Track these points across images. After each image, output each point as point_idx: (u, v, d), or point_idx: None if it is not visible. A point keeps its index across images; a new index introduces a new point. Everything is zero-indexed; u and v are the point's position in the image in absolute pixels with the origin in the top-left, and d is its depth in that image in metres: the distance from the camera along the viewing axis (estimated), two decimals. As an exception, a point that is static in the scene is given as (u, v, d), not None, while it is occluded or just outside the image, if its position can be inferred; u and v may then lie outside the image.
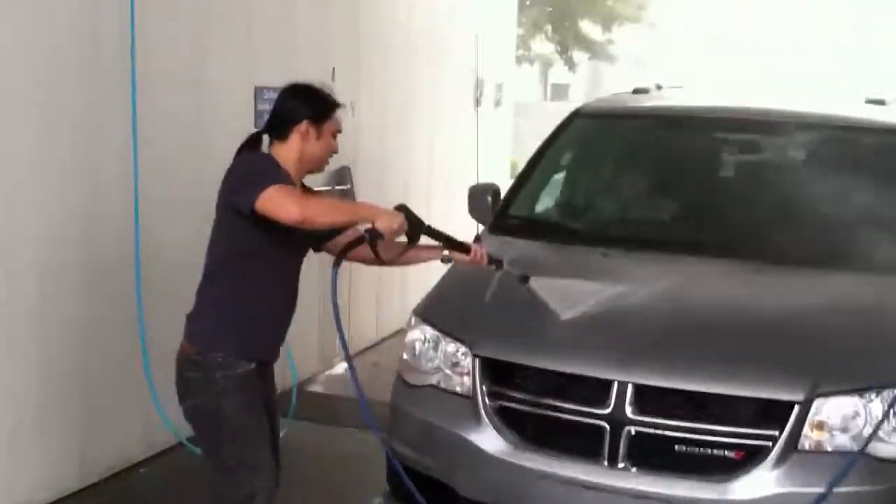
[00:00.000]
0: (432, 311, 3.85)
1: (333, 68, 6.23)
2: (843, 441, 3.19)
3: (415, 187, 7.62)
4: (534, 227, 4.48)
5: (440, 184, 8.13)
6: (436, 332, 3.73)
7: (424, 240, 3.15)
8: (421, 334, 3.79)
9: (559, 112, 5.65)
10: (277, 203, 2.83)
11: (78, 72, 4.25)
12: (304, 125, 3.08)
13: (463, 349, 3.61)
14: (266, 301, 3.15)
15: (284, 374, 5.73)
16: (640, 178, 4.64)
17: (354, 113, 6.49)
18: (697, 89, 5.80)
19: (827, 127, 4.62)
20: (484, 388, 3.50)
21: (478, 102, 8.97)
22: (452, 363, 3.66)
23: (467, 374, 3.58)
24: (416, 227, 3.04)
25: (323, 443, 5.17)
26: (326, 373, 6.42)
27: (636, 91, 5.20)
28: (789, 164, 4.67)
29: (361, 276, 6.83)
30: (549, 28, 18.00)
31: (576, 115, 4.97)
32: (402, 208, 3.03)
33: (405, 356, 3.82)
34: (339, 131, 3.22)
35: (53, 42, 4.11)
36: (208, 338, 3.11)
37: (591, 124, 5.00)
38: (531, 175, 4.76)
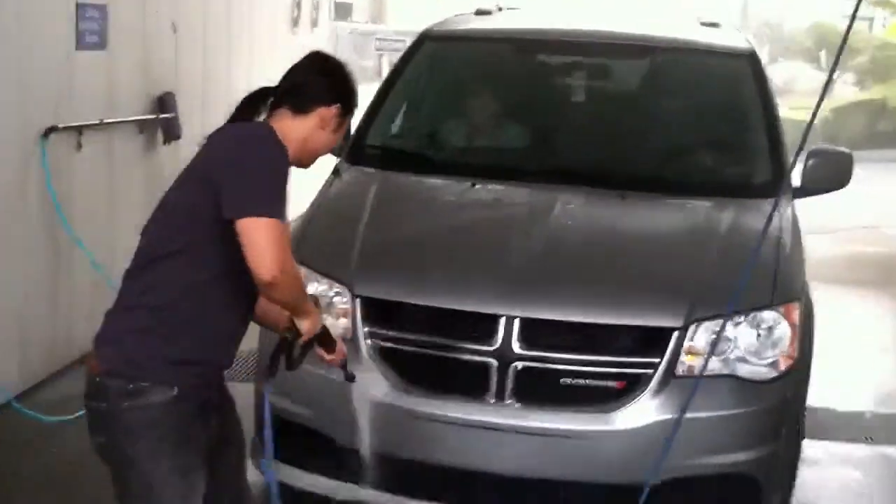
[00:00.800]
0: (302, 249, 3.64)
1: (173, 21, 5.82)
2: (713, 365, 3.31)
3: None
4: (395, 158, 4.36)
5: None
6: (307, 271, 3.56)
7: None
8: (291, 274, 3.62)
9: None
10: (262, 245, 2.27)
11: None
12: (333, 110, 2.56)
13: (339, 289, 3.48)
14: (220, 307, 2.45)
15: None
16: (496, 104, 4.57)
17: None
18: (534, 11, 5.77)
19: (673, 49, 4.73)
20: (365, 329, 3.39)
21: (295, 23, 8.63)
22: (327, 304, 3.51)
23: (345, 315, 3.45)
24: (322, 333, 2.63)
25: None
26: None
27: (479, 12, 5.12)
28: (641, 89, 4.74)
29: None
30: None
31: (425, 37, 4.83)
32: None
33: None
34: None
35: None
36: (123, 349, 2.38)
37: (442, 48, 4.90)
38: (384, 101, 4.61)
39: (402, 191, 4.04)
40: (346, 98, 2.61)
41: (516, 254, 3.50)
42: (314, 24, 9.24)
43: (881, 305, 7.66)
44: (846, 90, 28.46)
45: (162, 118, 5.88)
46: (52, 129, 4.77)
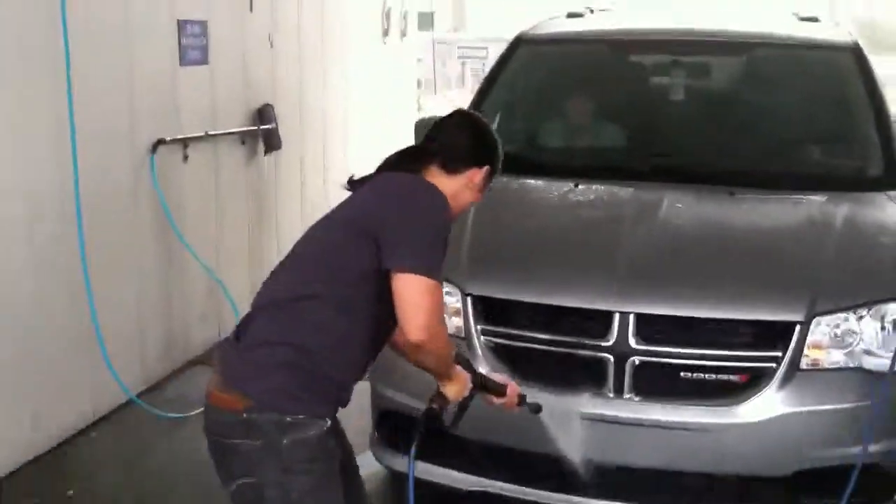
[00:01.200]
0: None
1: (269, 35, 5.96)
2: (838, 358, 3.25)
3: (332, 123, 7.39)
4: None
5: (357, 118, 7.92)
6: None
7: None
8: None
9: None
10: (414, 305, 2.24)
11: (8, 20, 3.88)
12: (483, 172, 2.56)
13: (450, 289, 3.50)
14: (365, 350, 2.41)
15: (221, 324, 5.53)
16: (596, 105, 4.58)
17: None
18: (624, 12, 5.75)
19: (775, 45, 4.66)
20: (478, 327, 3.40)
21: (385, 34, 8.73)
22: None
23: (458, 314, 3.47)
24: (476, 384, 2.63)
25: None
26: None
27: (571, 15, 5.13)
28: (742, 85, 4.68)
29: (285, 219, 6.63)
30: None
31: (519, 41, 4.85)
32: (475, 378, 2.62)
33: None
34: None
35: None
36: (275, 387, 2.26)
37: (537, 51, 4.89)
38: (481, 105, 4.63)
39: (506, 192, 4.03)
40: (495, 160, 2.61)
41: (627, 250, 3.48)
42: (403, 34, 9.33)
43: None
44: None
45: (262, 129, 6.00)
46: (160, 142, 4.91)
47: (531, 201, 3.97)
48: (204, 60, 5.35)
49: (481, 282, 3.46)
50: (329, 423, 2.31)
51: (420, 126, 4.58)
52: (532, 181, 4.14)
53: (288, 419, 2.25)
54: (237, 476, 2.30)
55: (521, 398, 2.81)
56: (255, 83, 6.03)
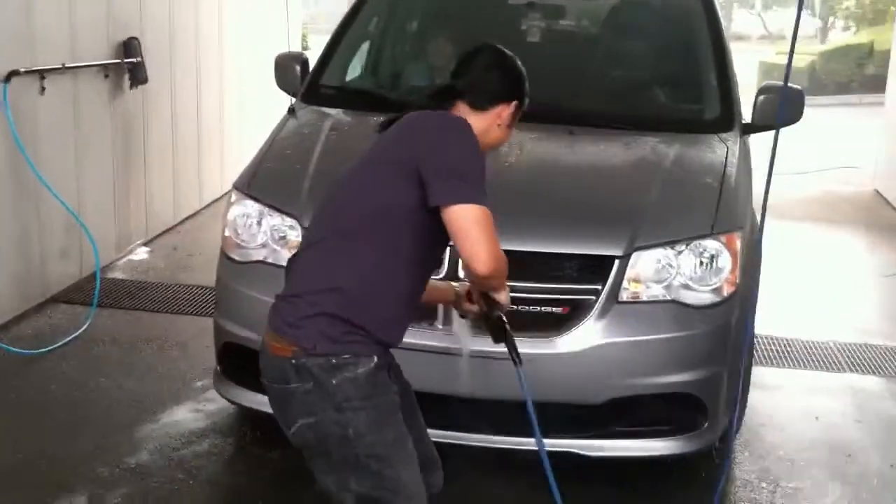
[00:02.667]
0: (255, 184, 3.74)
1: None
2: (657, 291, 3.41)
3: (206, 59, 7.28)
4: (347, 97, 4.40)
5: (232, 54, 7.81)
6: (260, 206, 3.64)
7: None
8: (243, 209, 3.69)
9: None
10: (475, 236, 2.26)
11: None
12: (511, 107, 2.58)
13: (290, 222, 3.55)
14: (408, 289, 2.44)
15: (83, 261, 5.49)
16: (450, 42, 4.62)
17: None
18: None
19: None
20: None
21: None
22: (279, 237, 3.59)
23: (296, 247, 3.52)
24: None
25: (135, 329, 5.01)
26: (125, 258, 6.16)
27: None
28: (593, 28, 4.80)
29: (155, 157, 6.54)
30: None
31: None
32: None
33: (227, 233, 3.71)
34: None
35: None
36: (325, 330, 2.32)
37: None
38: (340, 41, 4.65)
39: (354, 127, 4.09)
40: (523, 94, 2.61)
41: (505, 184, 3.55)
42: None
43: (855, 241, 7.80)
44: (836, 36, 28.24)
45: (126, 62, 5.90)
46: (13, 73, 4.79)
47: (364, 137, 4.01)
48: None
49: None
50: (376, 360, 2.35)
51: (280, 61, 4.58)
52: (380, 117, 4.16)
53: (333, 360, 2.31)
54: (296, 418, 2.37)
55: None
56: (120, 14, 5.90)
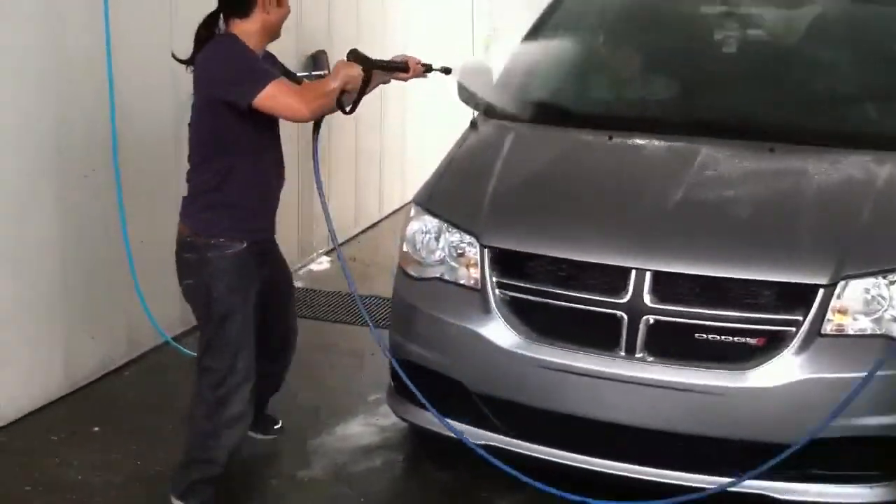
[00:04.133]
0: (435, 200, 3.66)
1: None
2: (865, 324, 3.10)
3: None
4: (532, 110, 4.26)
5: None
6: (439, 222, 3.56)
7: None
8: (422, 225, 3.61)
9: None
10: (283, 102, 3.03)
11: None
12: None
13: (469, 239, 3.45)
14: (253, 183, 3.24)
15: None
16: (640, 54, 4.43)
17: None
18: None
19: None
20: (493, 279, 3.35)
21: (449, -17, 8.56)
22: (458, 254, 3.50)
23: (474, 265, 3.42)
24: (368, 65, 3.25)
25: (313, 339, 5.04)
26: (306, 268, 6.25)
27: None
28: (795, 39, 4.46)
29: (338, 166, 6.62)
30: None
31: None
32: (352, 54, 3.27)
33: (406, 248, 3.65)
34: None
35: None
36: (200, 220, 3.21)
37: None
38: (523, 55, 4.53)
39: (537, 143, 3.95)
40: None
41: (650, 205, 3.37)
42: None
43: None
44: None
45: (315, 74, 5.98)
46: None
47: (559, 152, 3.86)
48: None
49: (499, 234, 3.40)
50: (245, 244, 3.20)
51: (462, 74, 4.50)
52: (565, 132, 4.02)
53: (212, 241, 3.18)
54: (184, 278, 3.27)
55: (427, 67, 3.48)
56: (308, 27, 5.99)
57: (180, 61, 3.24)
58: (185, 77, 3.19)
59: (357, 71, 3.18)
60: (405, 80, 3.46)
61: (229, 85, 3.04)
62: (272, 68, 3.21)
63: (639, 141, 3.87)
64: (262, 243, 3.33)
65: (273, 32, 3.23)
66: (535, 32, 4.59)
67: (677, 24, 4.57)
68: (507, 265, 3.36)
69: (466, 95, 4.44)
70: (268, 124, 3.20)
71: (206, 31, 3.17)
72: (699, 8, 4.64)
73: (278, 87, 3.02)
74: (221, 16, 3.18)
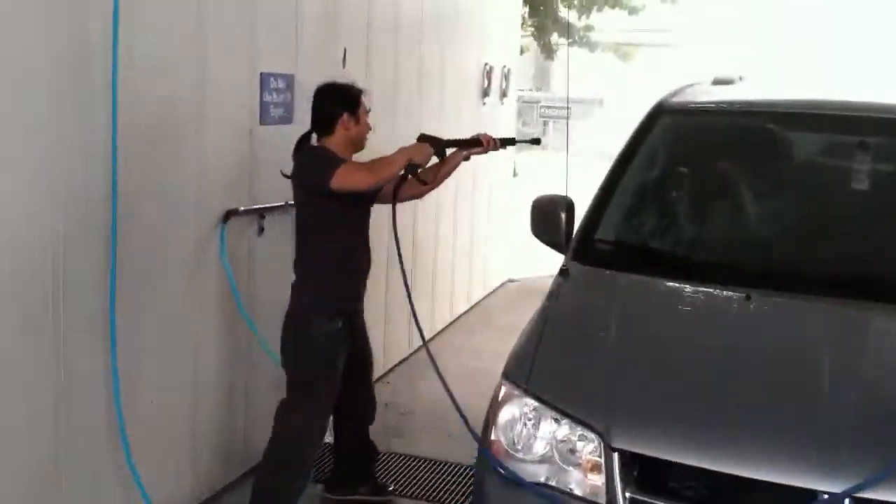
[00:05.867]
0: (537, 378, 2.86)
1: (345, 49, 5.23)
2: None
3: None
4: (636, 257, 3.53)
5: (454, 184, 7.15)
6: (543, 408, 2.78)
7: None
8: (520, 410, 2.82)
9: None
10: (351, 178, 3.63)
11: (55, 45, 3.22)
12: (344, 118, 3.85)
13: (589, 436, 2.66)
14: (350, 257, 3.90)
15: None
16: (764, 191, 3.71)
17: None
18: (778, 82, 4.89)
19: None
20: (628, 495, 2.54)
21: (485, 93, 7.98)
22: (569, 451, 2.70)
23: (594, 470, 2.63)
24: (438, 145, 3.84)
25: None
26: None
27: (717, 82, 4.27)
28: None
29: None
30: (524, 10, 16.90)
31: (661, 110, 4.01)
32: (422, 137, 3.86)
33: (499, 437, 2.84)
34: (369, 111, 3.96)
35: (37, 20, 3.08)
36: (308, 303, 3.86)
37: (683, 123, 4.04)
38: (616, 186, 3.80)
39: (657, 304, 3.20)
40: (345, 103, 3.88)
41: (833, 402, 2.59)
42: (504, 94, 8.57)
43: None
44: None
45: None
46: (231, 213, 4.21)
47: (692, 318, 3.10)
48: (288, 119, 4.66)
49: (634, 433, 2.61)
50: (341, 323, 3.88)
51: (539, 206, 3.79)
52: (687, 288, 3.26)
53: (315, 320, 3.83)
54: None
55: (506, 140, 4.04)
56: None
57: (286, 176, 3.93)
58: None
59: (426, 149, 3.75)
60: (482, 153, 3.99)
61: (314, 175, 3.71)
62: None
63: (786, 303, 3.08)
64: (354, 315, 4.02)
65: (358, 144, 3.92)
66: (623, 162, 3.87)
67: (803, 156, 3.87)
68: (646, 475, 2.56)
69: (544, 230, 3.71)
70: (356, 205, 3.86)
71: (300, 146, 3.90)
72: (821, 136, 3.94)
73: (346, 167, 3.66)
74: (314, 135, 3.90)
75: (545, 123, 29.91)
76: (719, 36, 28.43)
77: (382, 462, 4.74)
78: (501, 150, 4.08)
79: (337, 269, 3.84)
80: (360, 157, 3.96)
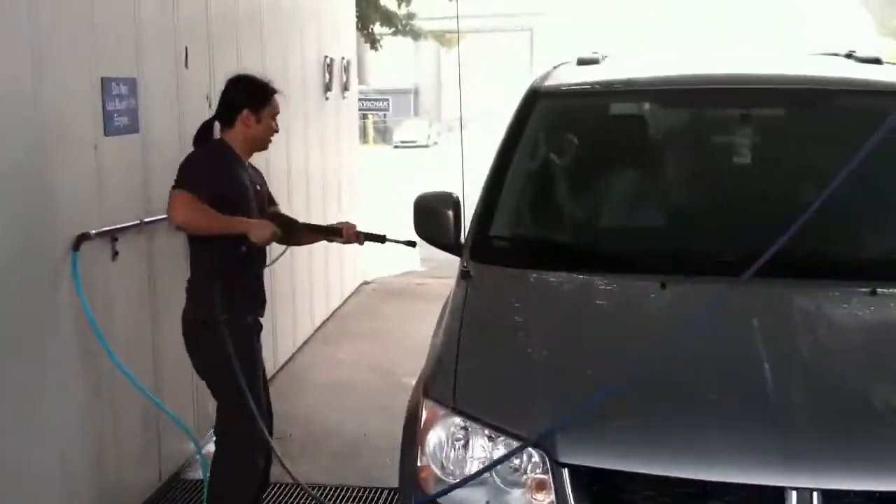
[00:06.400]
0: (463, 395, 2.62)
1: (186, 48, 4.82)
2: None
3: (277, 186, 6.26)
4: (539, 253, 3.34)
5: (302, 183, 6.83)
6: (474, 425, 2.54)
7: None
8: (445, 430, 2.58)
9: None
10: (171, 206, 3.50)
11: None
12: (244, 113, 3.69)
13: (531, 452, 2.45)
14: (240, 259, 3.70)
15: (161, 463, 4.37)
16: (654, 172, 3.61)
17: (212, 105, 5.09)
18: (647, 59, 4.81)
19: (855, 93, 3.73)
20: (586, 513, 2.34)
21: (327, 87, 7.66)
22: (510, 470, 2.49)
23: (544, 489, 2.42)
24: (288, 228, 3.81)
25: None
26: (207, 445, 4.99)
27: (582, 62, 4.13)
28: (837, 145, 3.70)
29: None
30: None
31: (535, 95, 3.82)
32: (274, 216, 3.82)
33: (427, 462, 2.59)
34: (277, 114, 3.80)
35: None
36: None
37: (560, 106, 3.88)
38: (503, 179, 3.60)
39: (573, 300, 3.02)
40: (252, 97, 3.73)
41: (786, 395, 2.46)
42: (345, 88, 8.28)
43: None
44: None
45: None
46: (83, 237, 3.76)
47: (611, 313, 2.94)
48: (134, 128, 4.23)
49: (580, 445, 2.40)
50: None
51: (423, 204, 3.55)
52: (600, 281, 3.10)
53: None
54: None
55: (367, 236, 3.91)
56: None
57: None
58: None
59: (267, 230, 3.60)
60: (343, 243, 3.99)
61: (178, 180, 3.54)
62: (247, 180, 3.73)
63: (702, 288, 2.95)
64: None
65: (256, 145, 3.78)
66: (505, 153, 3.66)
67: (688, 134, 3.79)
68: (601, 490, 2.36)
69: (430, 230, 3.48)
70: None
71: (200, 136, 3.77)
72: (706, 111, 3.86)
73: (181, 196, 3.47)
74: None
75: (364, 116, 29.60)
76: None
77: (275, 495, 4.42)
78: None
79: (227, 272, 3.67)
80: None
